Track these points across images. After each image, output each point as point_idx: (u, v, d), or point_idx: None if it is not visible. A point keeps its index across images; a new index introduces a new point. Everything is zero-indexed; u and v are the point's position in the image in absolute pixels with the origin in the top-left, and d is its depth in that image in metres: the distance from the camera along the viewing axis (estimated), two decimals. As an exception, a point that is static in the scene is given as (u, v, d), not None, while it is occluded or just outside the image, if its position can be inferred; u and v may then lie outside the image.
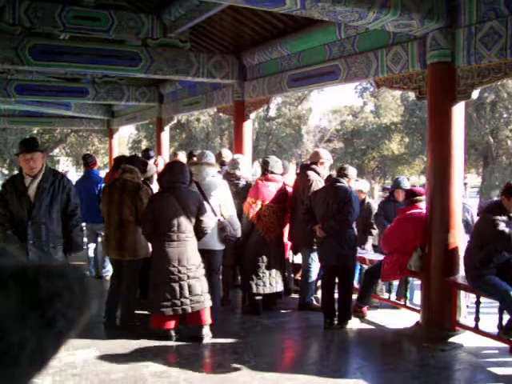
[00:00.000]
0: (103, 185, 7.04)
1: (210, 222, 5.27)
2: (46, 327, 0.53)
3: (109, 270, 7.43)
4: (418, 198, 5.72)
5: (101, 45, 7.60)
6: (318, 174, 6.24)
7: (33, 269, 0.54)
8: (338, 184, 5.60)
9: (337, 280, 5.73)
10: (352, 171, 5.86)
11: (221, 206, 5.70)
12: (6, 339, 0.50)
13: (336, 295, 5.72)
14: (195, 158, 7.30)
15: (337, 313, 5.67)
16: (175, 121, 12.16)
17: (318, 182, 6.13)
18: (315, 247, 6.10)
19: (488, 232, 4.85)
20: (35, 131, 29.20)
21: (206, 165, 5.90)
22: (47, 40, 7.36)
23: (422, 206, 5.56)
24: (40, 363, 0.54)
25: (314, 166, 6.29)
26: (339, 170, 5.85)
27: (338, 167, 6.01)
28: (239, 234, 5.90)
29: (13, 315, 0.51)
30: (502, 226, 4.72)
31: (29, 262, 0.56)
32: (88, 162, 8.21)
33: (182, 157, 8.72)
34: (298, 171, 6.72)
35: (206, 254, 5.42)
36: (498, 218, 4.79)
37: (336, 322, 5.65)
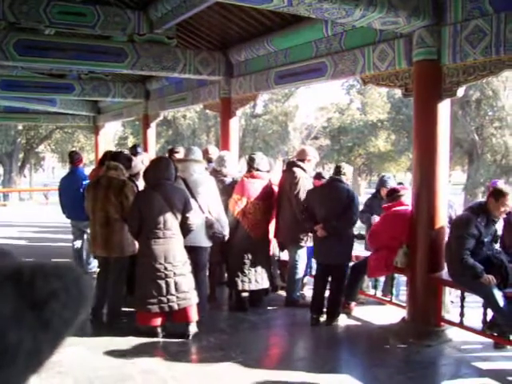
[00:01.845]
0: (87, 182, 6.99)
1: (195, 218, 5.25)
2: (42, 328, 0.53)
3: (94, 266, 7.40)
4: (399, 193, 5.77)
5: (87, 40, 7.53)
6: (305, 170, 6.25)
7: (29, 269, 0.54)
8: (339, 184, 5.60)
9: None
10: (349, 170, 5.86)
11: (208, 202, 5.69)
12: (2, 340, 0.49)
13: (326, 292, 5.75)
14: (177, 155, 7.25)
15: (325, 309, 5.70)
16: (161, 117, 12.08)
17: (304, 179, 6.14)
18: (302, 244, 6.13)
19: (460, 228, 4.91)
20: (20, 127, 28.97)
21: (194, 162, 5.87)
22: (32, 35, 7.27)
23: (407, 202, 5.60)
24: (36, 364, 0.54)
25: (300, 163, 6.29)
26: (336, 169, 5.80)
27: (335, 166, 5.95)
28: (227, 231, 5.89)
29: (9, 316, 0.51)
30: (472, 228, 4.78)
31: (25, 262, 0.56)
32: (74, 159, 8.13)
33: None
34: (285, 168, 6.72)
35: (192, 251, 5.40)
36: (476, 219, 4.84)
37: (324, 319, 5.67)
